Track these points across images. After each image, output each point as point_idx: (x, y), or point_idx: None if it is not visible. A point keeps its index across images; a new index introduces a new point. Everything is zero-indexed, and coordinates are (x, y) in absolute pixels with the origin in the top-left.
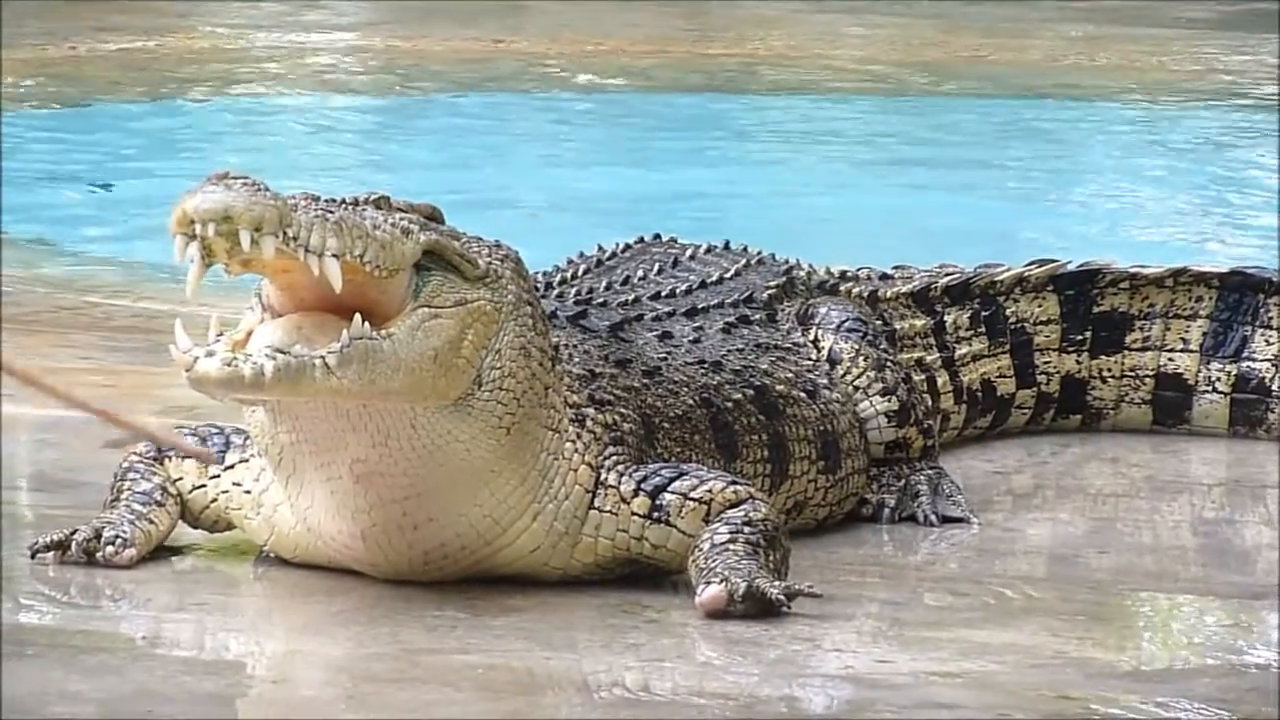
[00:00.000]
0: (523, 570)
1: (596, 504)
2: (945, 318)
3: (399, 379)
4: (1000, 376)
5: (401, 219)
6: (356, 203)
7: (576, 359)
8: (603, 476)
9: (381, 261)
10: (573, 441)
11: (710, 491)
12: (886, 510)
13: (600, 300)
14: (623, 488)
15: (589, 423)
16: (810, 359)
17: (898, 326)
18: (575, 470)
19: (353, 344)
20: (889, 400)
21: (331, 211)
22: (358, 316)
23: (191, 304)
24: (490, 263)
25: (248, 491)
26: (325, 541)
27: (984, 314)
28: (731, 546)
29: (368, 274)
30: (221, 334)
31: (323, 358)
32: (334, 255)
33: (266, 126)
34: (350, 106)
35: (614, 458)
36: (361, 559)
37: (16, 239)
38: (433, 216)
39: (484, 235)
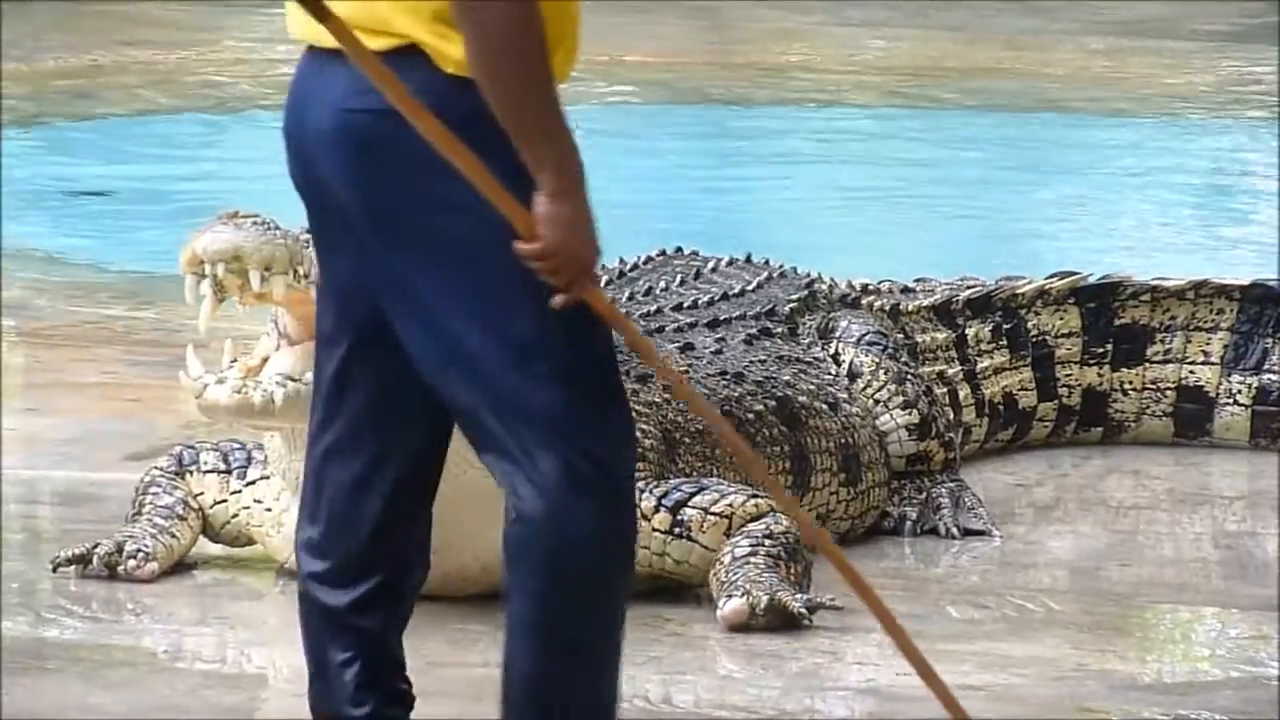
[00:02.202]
0: None
1: None
2: (967, 331)
3: None
4: (1022, 389)
5: None
6: None
7: None
8: None
9: None
10: None
11: (731, 505)
12: (908, 523)
13: (621, 312)
14: (643, 504)
15: None
16: (830, 373)
17: (919, 340)
18: None
19: None
20: (910, 413)
21: None
22: None
23: (205, 334)
24: None
25: (268, 509)
26: None
27: (1005, 327)
28: (753, 559)
29: None
30: (235, 360)
31: None
32: None
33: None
34: None
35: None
36: None
37: (35, 252)
38: None
39: None
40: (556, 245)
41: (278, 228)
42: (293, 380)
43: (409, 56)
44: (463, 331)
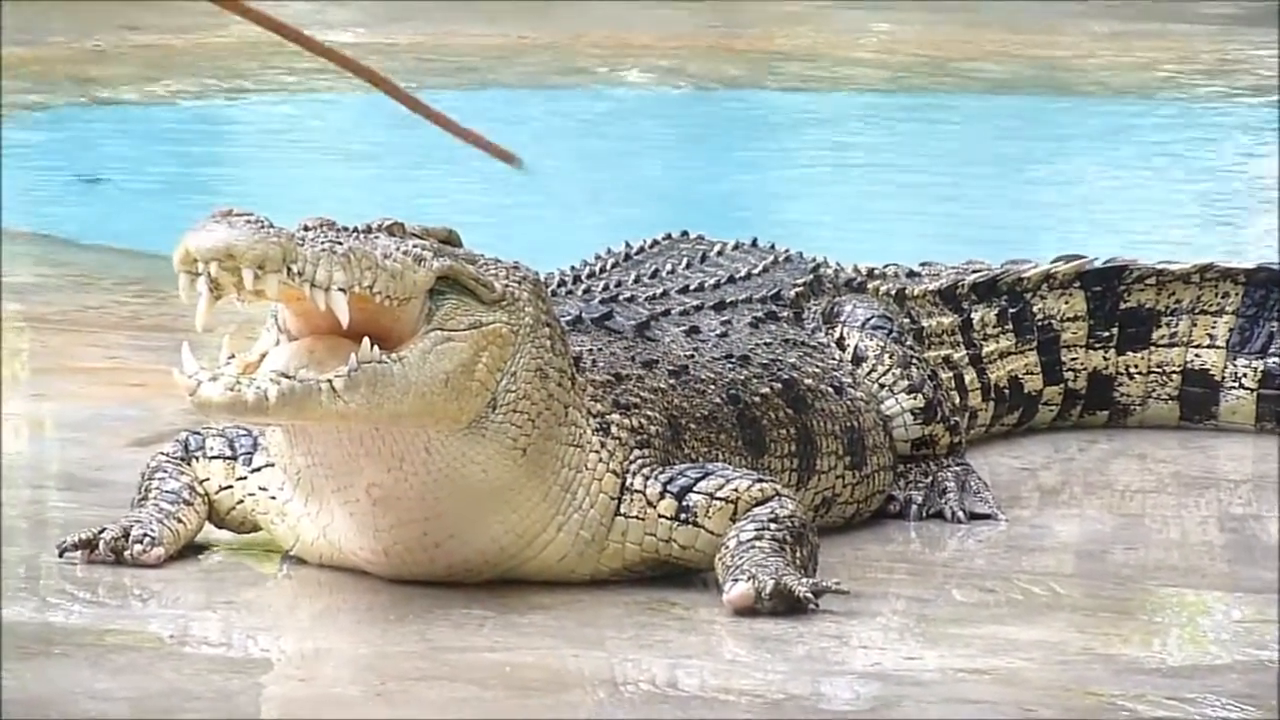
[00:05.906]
0: (550, 578)
1: (623, 510)
2: (972, 315)
3: (408, 402)
4: (1027, 373)
5: (414, 245)
6: (369, 230)
7: (601, 364)
8: (628, 481)
9: (392, 291)
10: (596, 452)
11: (736, 490)
12: (914, 507)
13: (627, 295)
14: (649, 491)
15: (614, 429)
16: (835, 358)
17: (925, 324)
18: (600, 480)
19: (361, 368)
20: (915, 398)
21: (340, 242)
22: (366, 341)
23: (203, 331)
24: (507, 285)
25: (273, 497)
26: (348, 555)
27: (1011, 311)
28: (758, 544)
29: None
30: (233, 356)
31: (329, 381)
32: (340, 289)
33: (291, 124)
34: (374, 102)
35: (639, 461)
36: (385, 573)
37: (40, 236)
38: (448, 240)
39: (502, 257)
40: None
41: (271, 225)
42: (287, 377)
43: None
44: None
